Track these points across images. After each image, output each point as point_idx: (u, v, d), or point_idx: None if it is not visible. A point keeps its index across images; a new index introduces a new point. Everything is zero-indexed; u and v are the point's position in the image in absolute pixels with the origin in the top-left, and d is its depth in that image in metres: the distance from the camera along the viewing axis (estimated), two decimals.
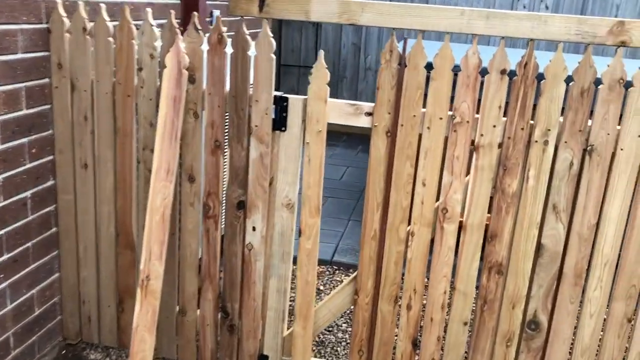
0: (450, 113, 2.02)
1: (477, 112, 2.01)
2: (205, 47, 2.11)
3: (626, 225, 2.01)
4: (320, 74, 2.05)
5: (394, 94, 2.03)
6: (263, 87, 2.10)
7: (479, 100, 1.99)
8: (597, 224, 2.02)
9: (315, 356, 2.66)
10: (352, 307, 2.31)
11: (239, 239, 2.27)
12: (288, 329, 2.42)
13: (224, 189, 2.30)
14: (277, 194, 2.22)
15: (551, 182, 2.02)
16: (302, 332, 2.31)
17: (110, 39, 2.17)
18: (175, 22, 2.08)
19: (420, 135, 2.06)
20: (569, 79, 1.91)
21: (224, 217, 2.37)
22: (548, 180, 2.02)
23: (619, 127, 1.94)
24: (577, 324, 2.14)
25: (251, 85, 2.11)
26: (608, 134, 1.94)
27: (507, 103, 1.98)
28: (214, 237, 2.29)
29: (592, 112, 1.94)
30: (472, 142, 2.04)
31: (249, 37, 2.06)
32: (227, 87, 2.13)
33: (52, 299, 2.43)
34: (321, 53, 2.05)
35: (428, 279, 2.21)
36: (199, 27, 2.09)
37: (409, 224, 2.15)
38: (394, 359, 2.31)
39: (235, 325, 2.37)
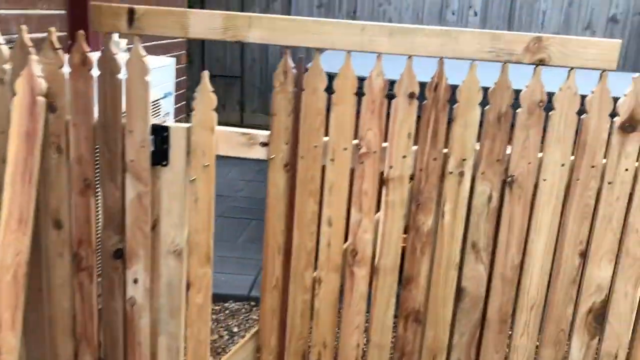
0: (355, 142, 1.77)
1: (386, 141, 1.77)
2: (67, 69, 1.77)
3: (552, 264, 1.81)
4: (205, 99, 1.76)
5: (291, 121, 1.76)
6: (137, 115, 1.78)
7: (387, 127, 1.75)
8: (522, 263, 1.81)
9: None
10: None
11: (118, 293, 1.92)
12: None
13: (99, 235, 1.95)
14: (161, 240, 1.89)
15: (469, 217, 1.79)
16: None
17: None
18: (27, 38, 1.74)
19: (323, 168, 1.80)
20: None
21: (100, 268, 2.01)
22: (466, 215, 1.79)
23: (540, 155, 1.74)
24: None
25: (125, 114, 1.79)
26: (529, 163, 1.73)
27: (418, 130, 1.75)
28: (88, 293, 1.93)
29: (511, 139, 1.74)
30: (382, 174, 1.80)
31: (119, 57, 1.74)
32: (96, 115, 1.80)
33: None
34: (205, 75, 1.75)
35: (339, 330, 1.93)
36: (75, 46, 1.75)
37: (315, 269, 1.87)
38: None
39: None
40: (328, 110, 1.75)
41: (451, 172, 1.76)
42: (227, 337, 2.94)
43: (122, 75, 1.75)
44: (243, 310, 3.21)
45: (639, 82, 1.65)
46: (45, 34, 1.80)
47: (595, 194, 1.73)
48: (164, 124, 1.82)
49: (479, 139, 1.74)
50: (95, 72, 1.76)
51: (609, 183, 1.72)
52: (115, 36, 2.09)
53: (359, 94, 1.72)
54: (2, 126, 1.83)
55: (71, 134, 1.81)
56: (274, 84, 1.74)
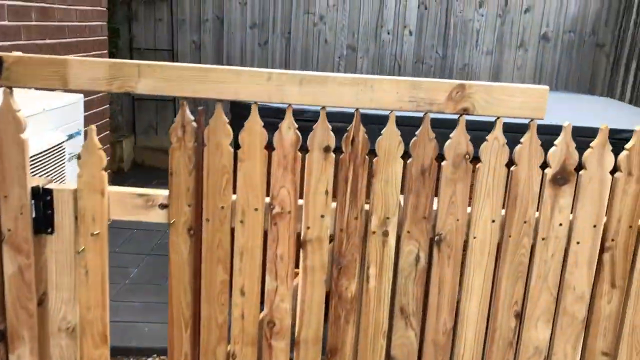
0: (267, 202, 1.58)
1: (301, 199, 1.59)
2: None
3: (487, 327, 1.66)
4: (92, 158, 1.53)
5: (193, 180, 1.55)
6: (13, 179, 1.53)
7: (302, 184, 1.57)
8: (454, 327, 1.66)
9: None
10: None
11: None
12: None
13: None
14: (50, 317, 1.64)
15: (396, 280, 1.63)
16: None
17: None
18: None
19: (233, 232, 1.60)
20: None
21: None
22: (392, 278, 1.63)
23: (469, 211, 1.59)
24: None
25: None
26: (457, 220, 1.58)
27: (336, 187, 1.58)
28: None
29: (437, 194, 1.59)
30: (298, 236, 1.61)
31: None
32: None
33: None
34: (92, 130, 1.52)
35: None
36: None
37: (229, 343, 1.66)
38: None
39: None
40: (235, 166, 1.55)
41: (374, 232, 1.59)
42: None
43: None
44: None
45: (569, 130, 1.53)
46: None
47: (528, 251, 1.60)
48: (47, 187, 1.57)
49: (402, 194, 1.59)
50: None
51: (543, 239, 1.59)
52: None
53: (270, 147, 1.53)
54: None
55: None
56: (170, 139, 1.53)
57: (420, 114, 1.52)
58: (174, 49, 5.71)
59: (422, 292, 1.63)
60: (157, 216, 1.59)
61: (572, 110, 3.39)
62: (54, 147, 2.31)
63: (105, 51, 4.13)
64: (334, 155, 1.55)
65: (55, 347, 1.66)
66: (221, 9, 5.66)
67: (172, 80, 1.48)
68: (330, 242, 1.61)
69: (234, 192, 1.57)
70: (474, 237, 1.59)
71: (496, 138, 1.53)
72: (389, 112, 1.52)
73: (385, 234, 1.59)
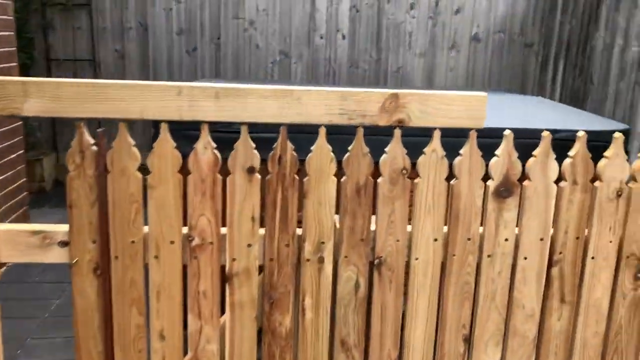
0: (185, 232, 1.40)
1: (224, 227, 1.41)
2: None
3: (434, 354, 1.54)
4: None
5: (96, 213, 1.35)
6: None
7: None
8: (400, 356, 1.53)
9: None
10: None
11: None
12: None
13: None
14: None
15: (335, 311, 1.48)
16: None
17: None
18: None
19: (147, 268, 1.40)
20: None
21: None
22: (331, 309, 1.48)
23: (410, 230, 1.46)
24: None
25: None
26: (398, 241, 1.45)
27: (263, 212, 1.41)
28: None
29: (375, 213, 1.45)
30: (223, 269, 1.43)
31: None
32: None
33: None
34: None
35: None
36: None
37: None
38: None
39: None
40: (146, 195, 1.36)
41: (308, 259, 1.43)
42: None
43: None
44: None
45: (510, 139, 1.43)
46: None
47: (474, 270, 1.49)
48: None
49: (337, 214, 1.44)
50: None
51: (489, 256, 1.48)
52: None
53: (185, 171, 1.35)
54: None
55: None
56: (67, 166, 1.32)
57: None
58: (96, 59, 5.38)
59: (363, 321, 1.49)
60: (57, 256, 1.38)
61: (506, 111, 3.36)
62: None
63: (15, 63, 3.79)
64: (259, 177, 1.38)
65: None
66: (144, 15, 5.38)
67: (67, 99, 1.28)
68: (259, 273, 1.44)
69: (146, 224, 1.38)
70: (416, 258, 1.46)
71: (434, 150, 1.41)
72: (319, 126, 1.37)
73: (321, 260, 1.44)
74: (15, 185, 3.77)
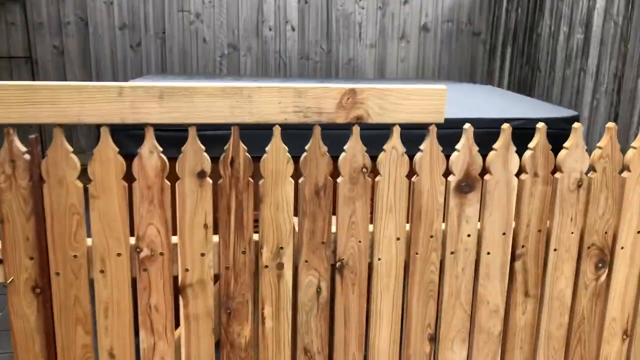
0: (133, 243, 1.30)
1: (175, 236, 1.32)
2: None
3: (400, 355, 1.49)
4: None
5: (33, 227, 1.23)
6: None
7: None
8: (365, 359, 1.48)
9: None
10: None
11: None
12: None
13: None
14: None
15: (297, 318, 1.41)
16: None
17: None
18: None
19: (92, 283, 1.30)
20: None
21: None
22: (292, 316, 1.41)
23: (371, 230, 1.41)
24: None
25: None
26: (360, 242, 1.39)
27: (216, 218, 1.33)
28: None
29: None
30: (176, 281, 1.34)
31: None
32: None
33: None
34: None
35: None
36: None
37: None
38: None
39: None
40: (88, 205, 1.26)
41: (267, 266, 1.36)
42: None
43: None
44: None
45: (470, 132, 1.39)
46: None
47: (438, 268, 1.45)
48: None
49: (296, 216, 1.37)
50: None
51: (452, 253, 1.44)
52: None
53: (130, 178, 1.25)
54: None
55: None
56: None
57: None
58: (33, 56, 5.11)
59: (326, 327, 1.43)
60: None
61: (458, 100, 3.36)
62: None
63: None
64: (210, 181, 1.30)
65: None
66: (84, 9, 5.14)
67: None
68: (215, 283, 1.36)
69: (89, 236, 1.27)
70: (379, 259, 1.41)
71: (394, 147, 1.35)
72: (273, 126, 1.29)
73: (280, 266, 1.37)
74: None
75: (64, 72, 5.18)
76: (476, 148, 1.40)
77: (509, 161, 1.41)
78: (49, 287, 1.27)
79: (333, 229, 1.39)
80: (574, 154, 1.43)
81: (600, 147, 1.45)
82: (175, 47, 5.35)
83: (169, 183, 1.28)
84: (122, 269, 1.29)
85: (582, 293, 1.52)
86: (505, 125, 1.39)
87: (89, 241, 1.28)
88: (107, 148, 1.23)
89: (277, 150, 1.30)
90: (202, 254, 1.32)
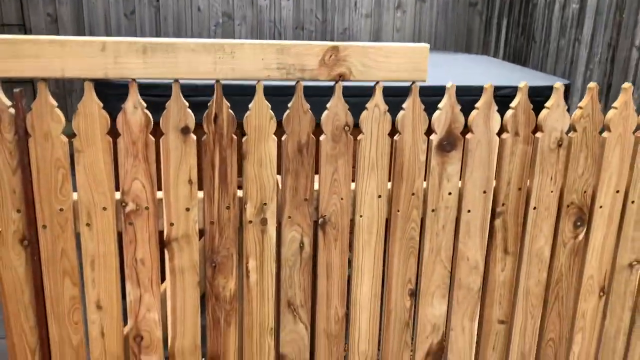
0: (118, 198, 1.32)
1: (160, 191, 1.35)
2: None
3: (382, 309, 1.54)
4: None
5: (19, 180, 1.26)
6: None
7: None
8: (347, 314, 1.52)
9: None
10: None
11: None
12: None
13: None
14: None
15: (280, 272, 1.45)
16: None
17: None
18: None
19: (79, 236, 1.32)
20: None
21: None
22: (276, 270, 1.45)
23: (353, 188, 1.43)
24: None
25: None
26: (342, 199, 1.42)
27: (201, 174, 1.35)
28: None
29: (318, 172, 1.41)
30: (161, 235, 1.37)
31: None
32: None
33: None
34: None
35: None
36: None
37: None
38: None
39: None
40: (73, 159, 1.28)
41: (251, 221, 1.39)
42: None
43: None
44: None
45: (453, 91, 1.40)
46: None
47: (419, 225, 1.48)
48: None
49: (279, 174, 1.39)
50: None
51: (433, 210, 1.47)
52: None
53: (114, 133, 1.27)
54: None
55: None
56: None
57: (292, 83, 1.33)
58: (26, 25, 5.07)
59: (309, 281, 1.47)
60: None
61: (452, 69, 3.36)
62: None
63: None
64: (194, 137, 1.32)
65: None
66: None
67: None
68: (200, 237, 1.39)
69: (75, 190, 1.30)
70: (361, 216, 1.44)
71: (377, 105, 1.37)
72: (256, 82, 1.31)
73: (264, 222, 1.40)
74: None
75: None
76: (458, 107, 1.41)
77: (491, 120, 1.43)
78: (37, 239, 1.30)
79: (316, 187, 1.42)
80: (554, 114, 1.45)
81: (580, 107, 1.46)
82: (170, 16, 5.31)
83: (153, 138, 1.29)
84: (108, 222, 1.32)
85: (560, 251, 1.56)
86: (488, 85, 1.40)
87: (75, 195, 1.31)
88: (92, 103, 1.25)
89: (259, 107, 1.32)
90: (187, 209, 1.35)
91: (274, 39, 5.52)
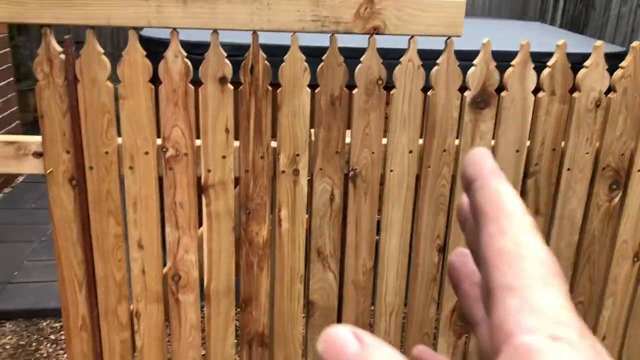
0: (160, 144, 1.40)
1: (199, 139, 1.41)
2: None
3: (409, 264, 1.57)
4: None
5: (68, 123, 1.35)
6: None
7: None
8: (375, 266, 1.56)
9: None
10: None
11: None
12: None
13: None
14: None
15: (311, 222, 1.50)
16: None
17: None
18: None
19: (122, 179, 1.41)
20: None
21: None
22: (308, 220, 1.50)
23: (385, 142, 1.46)
24: None
25: None
26: (373, 153, 1.45)
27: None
28: None
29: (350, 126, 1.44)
30: (199, 180, 1.44)
31: None
32: None
33: None
34: None
35: None
36: None
37: (131, 301, 1.51)
38: None
39: None
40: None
41: (284, 171, 1.44)
42: None
43: None
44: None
45: (489, 48, 1.40)
46: None
47: (449, 182, 1.50)
48: None
49: (312, 127, 1.43)
50: None
51: None
52: None
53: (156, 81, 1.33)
54: None
55: None
56: (36, 76, 1.30)
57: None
58: None
59: (339, 232, 1.51)
60: (32, 166, 1.38)
61: (503, 35, 3.28)
62: None
63: None
64: (232, 87, 1.37)
65: None
66: None
67: (32, 3, 1.24)
68: (235, 185, 1.46)
69: (120, 135, 1.38)
70: (391, 170, 1.47)
71: (410, 60, 1.38)
72: (291, 34, 1.34)
73: (296, 172, 1.44)
74: (6, 113, 3.75)
75: None
76: (494, 64, 1.41)
77: (526, 78, 1.41)
78: (84, 179, 1.39)
79: (348, 140, 1.45)
80: (593, 73, 1.42)
81: (622, 67, 1.43)
82: None
83: (192, 87, 1.35)
84: (149, 167, 1.40)
85: (593, 214, 1.54)
86: (524, 41, 1.39)
87: (119, 139, 1.39)
88: (135, 51, 1.31)
89: (294, 59, 1.35)
90: (224, 157, 1.41)
91: None
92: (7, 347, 2.46)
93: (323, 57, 1.37)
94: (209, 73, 1.34)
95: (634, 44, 1.41)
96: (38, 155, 1.37)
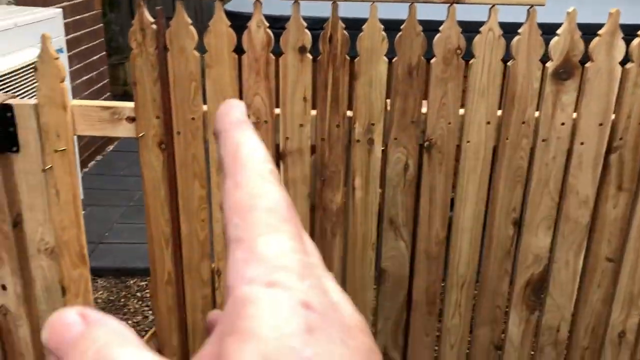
0: None
1: (278, 107, 1.46)
2: None
3: (483, 235, 1.57)
4: (49, 69, 1.41)
5: (158, 90, 1.43)
6: None
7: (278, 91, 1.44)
8: (448, 237, 1.57)
9: None
10: None
11: None
12: None
13: None
14: (28, 239, 1.59)
15: (384, 190, 1.53)
16: None
17: None
18: None
19: (207, 144, 1.49)
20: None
21: None
22: (381, 188, 1.53)
23: (462, 113, 1.45)
24: (437, 358, 1.72)
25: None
26: (449, 123, 1.45)
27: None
28: None
29: (427, 96, 1.45)
30: (277, 147, 1.50)
31: None
32: None
33: None
34: (46, 38, 1.40)
35: None
36: None
37: (213, 259, 1.61)
38: None
39: None
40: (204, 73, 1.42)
41: (359, 140, 1.47)
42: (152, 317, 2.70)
43: None
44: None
45: (574, 17, 1.35)
46: None
47: (528, 154, 1.47)
48: (6, 102, 1.47)
49: (388, 97, 1.45)
50: None
51: (543, 140, 1.45)
52: None
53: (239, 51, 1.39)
54: None
55: None
56: (130, 45, 1.40)
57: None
58: None
59: (412, 202, 1.53)
60: (125, 130, 1.49)
61: (591, 6, 3.12)
62: (29, 65, 2.19)
63: None
64: (310, 57, 1.40)
65: (37, 269, 1.62)
66: None
67: None
68: (312, 153, 1.50)
69: (205, 102, 1.45)
70: (468, 142, 1.46)
71: (491, 29, 1.36)
72: (370, 4, 1.35)
73: (371, 142, 1.47)
74: (99, 85, 4.00)
75: None
76: (579, 33, 1.36)
77: (614, 48, 1.36)
78: (172, 144, 1.48)
79: (423, 110, 1.45)
80: None
81: None
82: None
83: (273, 57, 1.40)
84: None
85: None
86: (613, 9, 1.33)
87: (205, 107, 1.46)
88: (221, 21, 1.37)
89: (372, 28, 1.37)
90: (301, 125, 1.46)
91: None
92: (99, 301, 2.67)
93: (401, 27, 1.37)
94: (289, 43, 1.39)
95: None
96: (131, 120, 1.48)
